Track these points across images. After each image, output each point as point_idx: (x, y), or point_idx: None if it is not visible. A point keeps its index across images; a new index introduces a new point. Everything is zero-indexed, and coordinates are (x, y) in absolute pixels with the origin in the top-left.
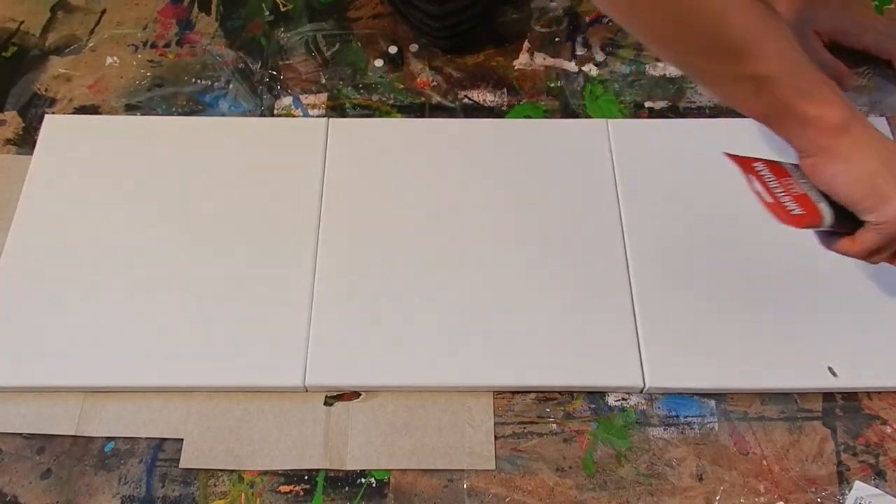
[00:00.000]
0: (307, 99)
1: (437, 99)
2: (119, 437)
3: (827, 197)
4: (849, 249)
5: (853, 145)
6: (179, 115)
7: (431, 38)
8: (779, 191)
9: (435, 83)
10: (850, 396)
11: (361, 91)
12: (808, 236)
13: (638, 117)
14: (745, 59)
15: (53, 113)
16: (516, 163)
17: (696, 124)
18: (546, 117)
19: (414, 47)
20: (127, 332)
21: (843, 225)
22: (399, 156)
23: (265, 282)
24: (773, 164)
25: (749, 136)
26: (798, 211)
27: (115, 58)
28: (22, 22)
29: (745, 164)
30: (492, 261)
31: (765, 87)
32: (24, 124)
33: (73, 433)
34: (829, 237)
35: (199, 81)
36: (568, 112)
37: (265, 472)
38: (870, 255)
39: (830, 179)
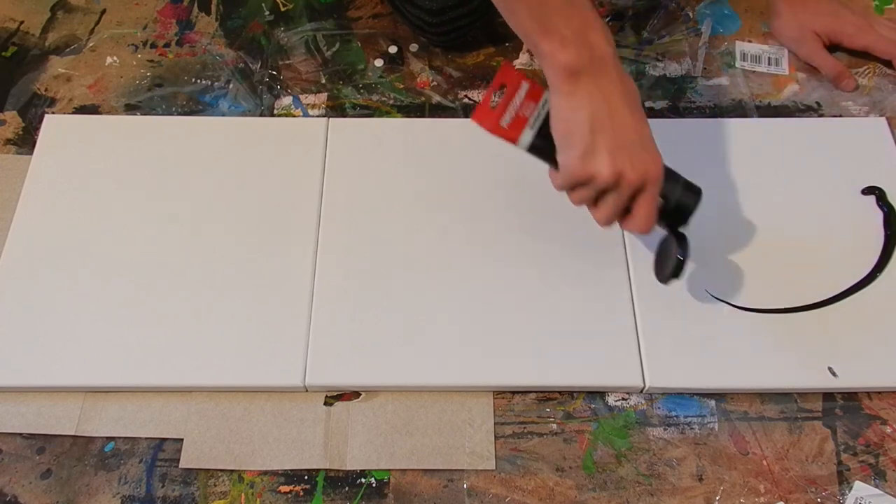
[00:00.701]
0: (307, 99)
1: (437, 99)
2: (119, 437)
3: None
4: (550, 176)
5: (573, 92)
6: (179, 114)
7: (429, 36)
8: (513, 106)
9: (435, 83)
10: (850, 396)
11: (361, 91)
12: (805, 230)
13: None
14: None
15: (53, 113)
16: (516, 163)
17: (696, 124)
18: None
19: (414, 47)
20: (127, 332)
21: (551, 161)
22: (399, 156)
23: (265, 282)
24: (536, 89)
25: (748, 136)
26: (505, 123)
27: (115, 57)
28: (22, 22)
29: (513, 77)
30: (492, 261)
31: (512, 9)
32: (24, 124)
33: (73, 433)
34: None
35: (198, 81)
36: None
37: (265, 472)
38: (559, 189)
39: (551, 109)
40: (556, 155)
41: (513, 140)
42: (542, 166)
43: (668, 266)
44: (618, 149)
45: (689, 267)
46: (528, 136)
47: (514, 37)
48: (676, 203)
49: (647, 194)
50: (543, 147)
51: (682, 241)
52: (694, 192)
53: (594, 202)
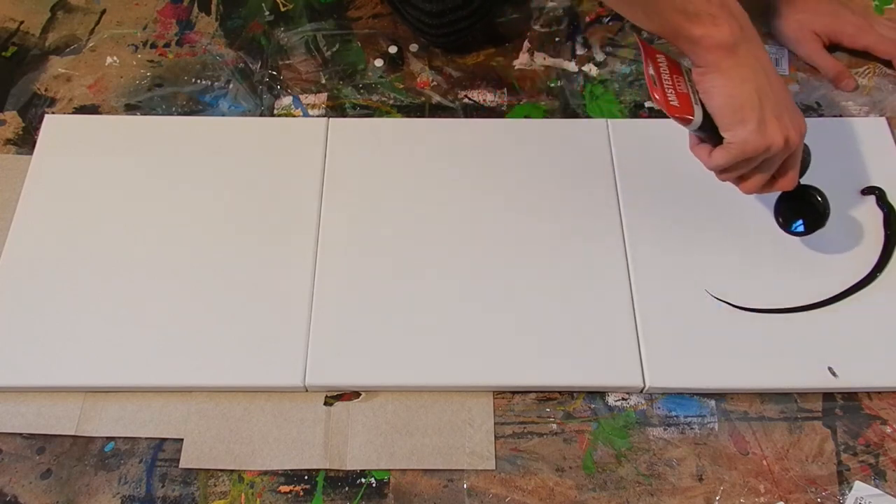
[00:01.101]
0: (307, 99)
1: (437, 99)
2: (119, 437)
3: (704, 108)
4: (703, 158)
5: (736, 66)
6: (179, 114)
7: (429, 37)
8: (667, 82)
9: (435, 83)
10: (850, 396)
11: (361, 91)
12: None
13: (638, 117)
14: None
15: (53, 113)
16: (516, 163)
17: None
18: (546, 117)
19: (414, 47)
20: (127, 332)
21: (711, 136)
22: (399, 156)
23: (265, 282)
24: (673, 62)
25: None
26: (675, 102)
27: (115, 57)
28: (22, 22)
29: (651, 53)
30: (492, 261)
31: (652, 10)
32: (24, 124)
33: (73, 433)
34: (698, 144)
35: (198, 81)
36: (568, 112)
37: (265, 472)
38: (717, 169)
39: (709, 89)
40: (716, 135)
41: (688, 118)
42: (541, 166)
43: (816, 219)
44: (780, 114)
45: (688, 266)
46: (699, 113)
47: (515, 37)
48: (805, 158)
49: (796, 155)
50: (708, 123)
51: (820, 192)
52: (807, 149)
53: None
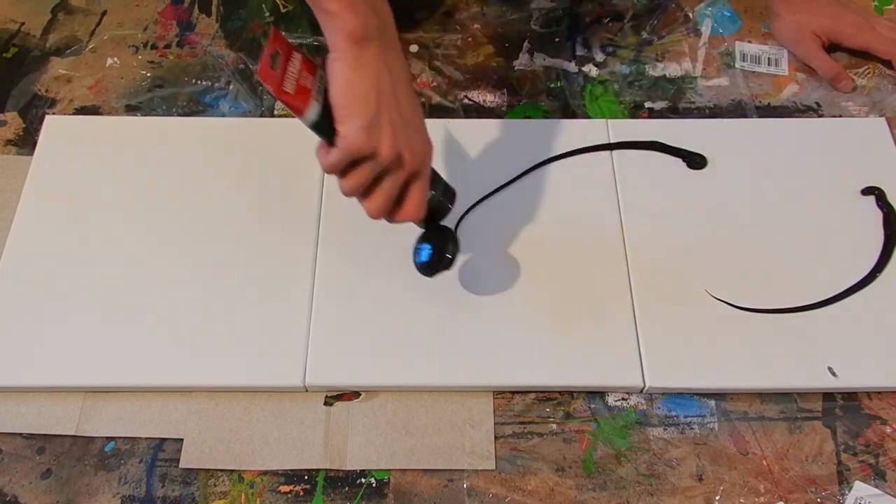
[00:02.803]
0: None
1: (437, 99)
2: (119, 437)
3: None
4: (320, 155)
5: (360, 59)
6: (180, 115)
7: None
8: (292, 72)
9: (435, 83)
10: (850, 396)
11: None
12: (805, 230)
13: (638, 117)
14: None
15: (54, 114)
16: (516, 163)
17: (696, 124)
18: (546, 117)
19: (414, 48)
20: (127, 332)
21: (331, 140)
22: None
23: (265, 282)
24: (309, 63)
25: (748, 136)
26: (289, 90)
27: (116, 59)
28: (23, 23)
29: (283, 44)
30: (491, 260)
31: None
32: (24, 125)
33: (73, 433)
34: (323, 146)
35: (199, 82)
36: (568, 112)
37: (265, 472)
38: (330, 169)
39: (332, 75)
40: (334, 132)
41: (300, 109)
42: (541, 166)
43: (441, 261)
44: (399, 127)
45: (688, 266)
46: (314, 109)
47: (514, 37)
48: (441, 197)
49: (420, 181)
50: (324, 123)
51: (452, 235)
52: (451, 192)
53: (366, 192)
